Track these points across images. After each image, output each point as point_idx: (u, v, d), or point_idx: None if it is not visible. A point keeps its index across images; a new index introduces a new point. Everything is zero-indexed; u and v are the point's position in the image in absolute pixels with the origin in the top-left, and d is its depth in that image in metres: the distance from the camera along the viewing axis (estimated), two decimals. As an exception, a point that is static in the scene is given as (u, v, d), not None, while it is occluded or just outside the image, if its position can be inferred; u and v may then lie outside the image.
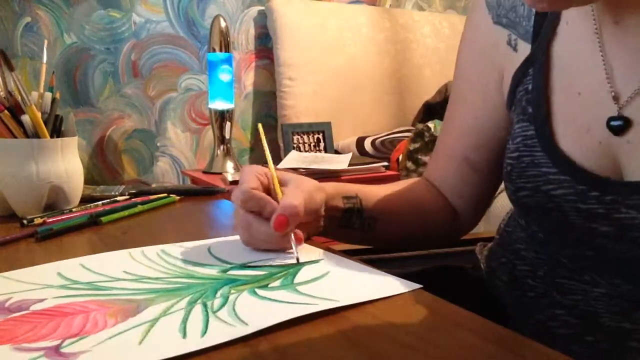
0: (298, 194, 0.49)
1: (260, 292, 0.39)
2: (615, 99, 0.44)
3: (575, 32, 0.48)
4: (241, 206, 0.49)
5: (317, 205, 0.52)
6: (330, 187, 0.56)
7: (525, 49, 0.51)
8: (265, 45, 1.87)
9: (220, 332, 0.32)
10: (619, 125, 0.43)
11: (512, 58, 0.53)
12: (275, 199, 0.50)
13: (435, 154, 0.65)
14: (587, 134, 0.45)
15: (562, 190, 0.45)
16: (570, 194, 0.45)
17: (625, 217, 0.42)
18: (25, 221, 0.61)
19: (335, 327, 0.33)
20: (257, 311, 0.35)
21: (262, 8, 1.84)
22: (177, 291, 0.39)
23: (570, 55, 0.48)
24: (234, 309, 0.35)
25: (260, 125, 0.58)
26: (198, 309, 0.35)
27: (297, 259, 0.46)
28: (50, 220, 0.62)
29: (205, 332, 0.32)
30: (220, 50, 1.54)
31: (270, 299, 0.37)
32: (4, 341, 0.31)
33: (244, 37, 1.84)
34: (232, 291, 0.39)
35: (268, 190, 0.52)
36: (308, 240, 0.53)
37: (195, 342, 0.30)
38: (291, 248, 0.48)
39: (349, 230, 0.57)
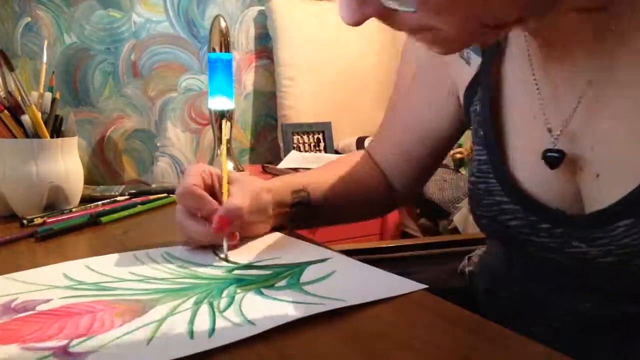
0: (244, 195, 0.49)
1: (266, 291, 0.39)
2: (549, 130, 0.42)
3: (514, 55, 0.46)
4: (179, 201, 0.50)
5: (263, 206, 0.52)
6: (278, 182, 0.56)
7: (477, 62, 0.49)
8: (265, 45, 1.87)
9: (228, 333, 0.32)
10: (554, 158, 0.41)
11: (466, 72, 0.51)
12: (219, 198, 0.50)
13: (379, 139, 0.67)
14: (538, 161, 0.43)
15: (516, 222, 0.44)
16: (524, 226, 0.43)
17: (576, 251, 0.40)
18: (25, 221, 0.61)
19: (335, 327, 0.33)
20: (264, 311, 0.35)
21: (262, 8, 1.84)
22: (183, 291, 0.39)
23: (513, 80, 0.46)
24: (240, 309, 0.35)
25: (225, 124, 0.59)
26: (204, 309, 0.35)
27: (226, 256, 0.47)
28: (50, 220, 0.62)
29: (212, 333, 0.32)
30: (220, 50, 1.54)
31: (276, 299, 0.37)
32: (11, 341, 0.31)
33: (244, 37, 1.84)
34: (238, 291, 0.39)
35: (211, 189, 0.52)
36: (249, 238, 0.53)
37: (203, 343, 0.30)
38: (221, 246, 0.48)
39: (299, 222, 0.58)
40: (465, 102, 0.51)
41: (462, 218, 1.47)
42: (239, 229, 0.50)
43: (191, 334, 0.32)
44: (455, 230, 1.50)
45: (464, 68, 0.51)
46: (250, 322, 0.33)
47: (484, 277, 0.56)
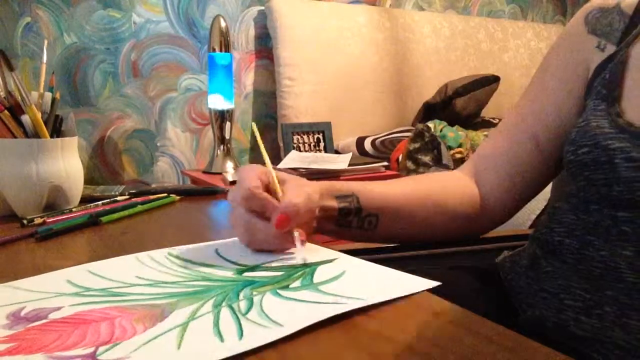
0: (299, 192, 0.49)
1: (282, 292, 0.39)
2: None
3: None
4: (243, 205, 0.49)
5: (314, 205, 0.51)
6: (324, 186, 0.55)
7: (610, 49, 0.57)
8: (265, 45, 1.87)
9: (257, 335, 0.32)
10: None
11: (599, 57, 0.58)
12: (275, 198, 0.49)
13: (497, 133, 0.67)
14: None
15: (619, 144, 0.48)
16: (627, 147, 0.47)
17: None
18: (25, 221, 0.61)
19: (337, 329, 0.33)
20: (288, 312, 0.35)
21: (262, 8, 1.84)
22: (198, 294, 0.39)
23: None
24: (263, 311, 0.35)
25: (253, 125, 0.58)
26: (226, 312, 0.35)
27: (304, 260, 0.45)
28: (50, 220, 0.62)
29: (241, 335, 0.32)
30: (220, 50, 1.54)
31: (296, 300, 0.37)
32: (34, 350, 0.30)
33: (244, 37, 1.84)
34: (254, 293, 0.39)
35: (268, 189, 0.51)
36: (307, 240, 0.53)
37: (235, 346, 0.30)
38: (291, 248, 0.48)
39: (348, 228, 0.57)
40: (592, 75, 0.57)
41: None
42: (300, 226, 0.50)
43: (220, 337, 0.31)
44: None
45: (598, 54, 0.58)
46: (277, 324, 0.33)
47: (535, 242, 0.57)
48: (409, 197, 0.61)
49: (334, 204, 0.55)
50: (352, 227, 0.57)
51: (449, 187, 0.64)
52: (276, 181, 0.51)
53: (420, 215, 0.61)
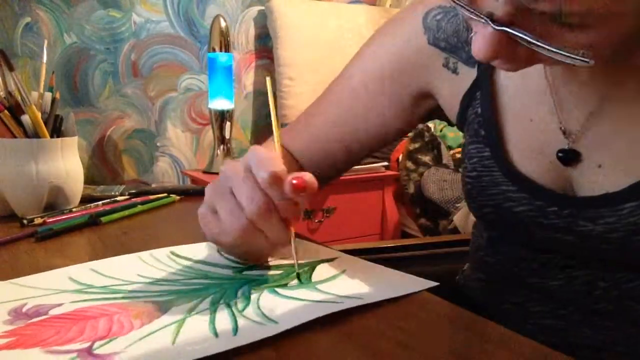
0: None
1: (280, 291, 0.39)
2: (564, 132, 0.45)
3: (526, 71, 0.47)
4: (268, 189, 0.38)
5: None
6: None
7: (469, 72, 0.52)
8: (265, 45, 1.87)
9: (252, 331, 0.32)
10: (568, 158, 0.45)
11: (453, 80, 0.53)
12: None
13: (304, 131, 0.64)
14: (540, 155, 0.47)
15: (522, 207, 0.48)
16: (531, 210, 0.47)
17: (583, 229, 0.44)
18: (25, 221, 0.61)
19: (336, 327, 0.33)
20: (284, 310, 0.35)
21: (262, 8, 1.84)
22: (197, 292, 0.39)
23: (518, 86, 0.49)
24: (259, 309, 0.35)
25: (268, 79, 0.49)
26: (223, 309, 0.35)
27: (296, 264, 0.42)
28: (50, 220, 0.62)
29: (236, 332, 0.32)
30: (220, 50, 1.54)
31: (293, 298, 0.37)
32: (32, 344, 0.31)
33: (244, 37, 1.84)
34: (253, 291, 0.39)
35: None
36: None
37: (229, 341, 0.30)
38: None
39: None
40: (461, 105, 0.54)
41: (462, 218, 1.47)
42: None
43: (215, 333, 0.32)
44: (455, 230, 1.50)
45: (449, 76, 0.53)
46: (273, 321, 0.33)
47: (479, 270, 0.58)
48: None
49: None
50: None
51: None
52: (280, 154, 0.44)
53: None
